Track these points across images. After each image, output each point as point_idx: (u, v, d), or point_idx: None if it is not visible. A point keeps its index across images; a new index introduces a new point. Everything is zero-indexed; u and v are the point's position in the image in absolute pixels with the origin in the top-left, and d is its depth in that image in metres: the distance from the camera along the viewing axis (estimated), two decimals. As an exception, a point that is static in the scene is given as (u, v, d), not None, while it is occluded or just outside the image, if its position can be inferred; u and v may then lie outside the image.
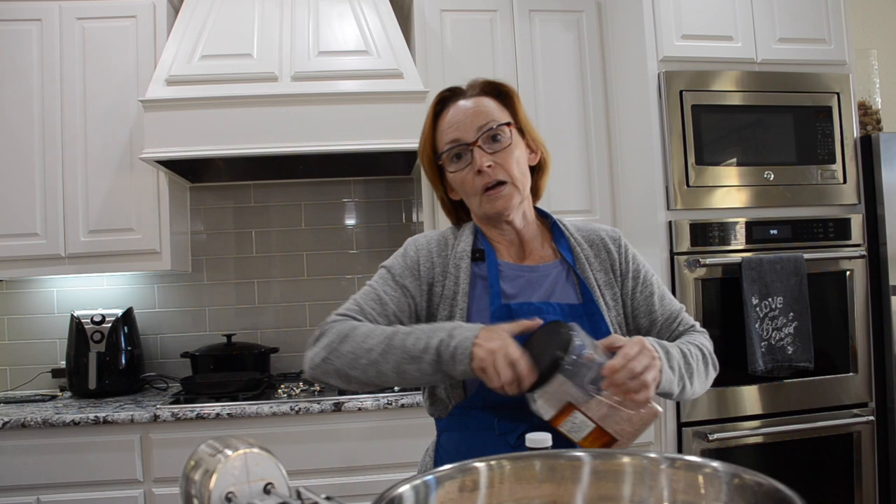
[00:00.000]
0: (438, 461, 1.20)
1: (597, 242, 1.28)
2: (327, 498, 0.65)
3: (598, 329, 1.17)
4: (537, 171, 1.29)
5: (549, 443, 0.92)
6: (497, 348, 0.99)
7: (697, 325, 1.30)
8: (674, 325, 1.27)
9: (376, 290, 1.21)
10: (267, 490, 0.69)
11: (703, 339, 1.25)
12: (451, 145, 1.20)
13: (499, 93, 1.24)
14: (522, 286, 1.21)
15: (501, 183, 1.18)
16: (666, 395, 1.12)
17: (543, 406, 0.99)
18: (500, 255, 1.25)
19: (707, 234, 2.37)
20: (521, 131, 1.25)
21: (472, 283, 1.21)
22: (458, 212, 1.32)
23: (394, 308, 1.19)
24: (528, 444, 0.93)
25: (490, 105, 1.21)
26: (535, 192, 1.30)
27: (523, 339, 1.04)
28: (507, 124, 1.21)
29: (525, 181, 1.22)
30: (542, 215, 1.32)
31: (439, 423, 1.24)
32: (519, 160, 1.21)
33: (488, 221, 1.25)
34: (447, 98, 1.25)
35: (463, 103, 1.22)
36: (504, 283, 1.20)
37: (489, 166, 1.17)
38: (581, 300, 1.20)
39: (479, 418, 1.15)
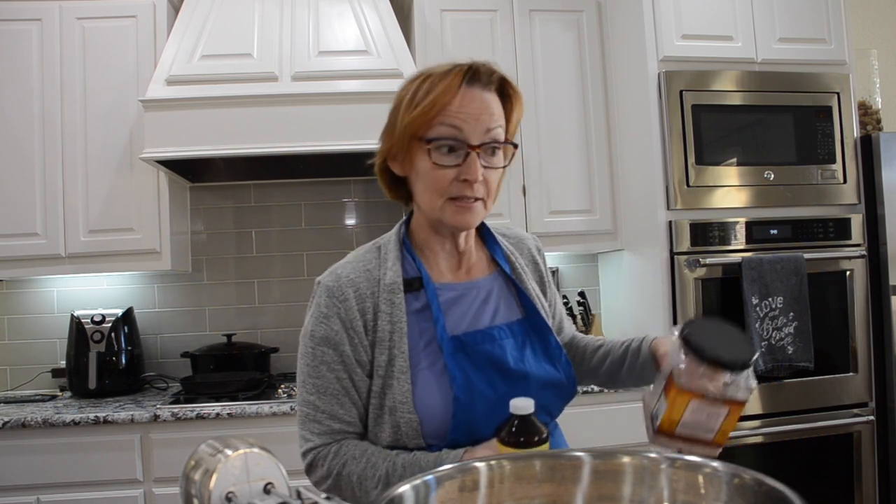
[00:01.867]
0: None
1: (524, 251, 1.23)
2: (327, 498, 0.65)
3: (546, 342, 1.12)
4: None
5: (532, 409, 0.90)
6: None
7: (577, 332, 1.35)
8: (577, 338, 1.31)
9: (328, 386, 1.06)
10: (267, 490, 0.69)
11: None
12: (449, 133, 1.03)
13: (505, 94, 1.10)
14: (467, 309, 1.11)
15: (478, 198, 1.05)
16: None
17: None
18: (434, 273, 1.12)
19: (707, 233, 2.38)
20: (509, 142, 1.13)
21: (411, 318, 1.07)
22: (397, 185, 1.15)
23: (354, 394, 1.07)
24: (511, 409, 0.91)
25: (498, 109, 1.07)
26: None
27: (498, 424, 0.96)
28: (514, 145, 1.10)
29: (491, 203, 1.10)
30: None
31: None
32: (501, 178, 1.10)
33: (436, 228, 1.12)
34: (466, 75, 1.06)
35: (481, 92, 1.06)
36: (445, 310, 1.09)
37: (480, 181, 1.04)
38: (524, 313, 1.14)
39: None
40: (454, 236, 1.13)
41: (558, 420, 1.20)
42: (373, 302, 1.08)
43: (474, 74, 1.06)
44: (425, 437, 1.03)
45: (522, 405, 0.91)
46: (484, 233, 1.21)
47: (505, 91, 1.09)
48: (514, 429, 0.91)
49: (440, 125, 1.03)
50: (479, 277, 1.15)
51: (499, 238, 1.21)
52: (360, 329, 1.07)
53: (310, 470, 1.08)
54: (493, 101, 1.06)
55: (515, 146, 1.10)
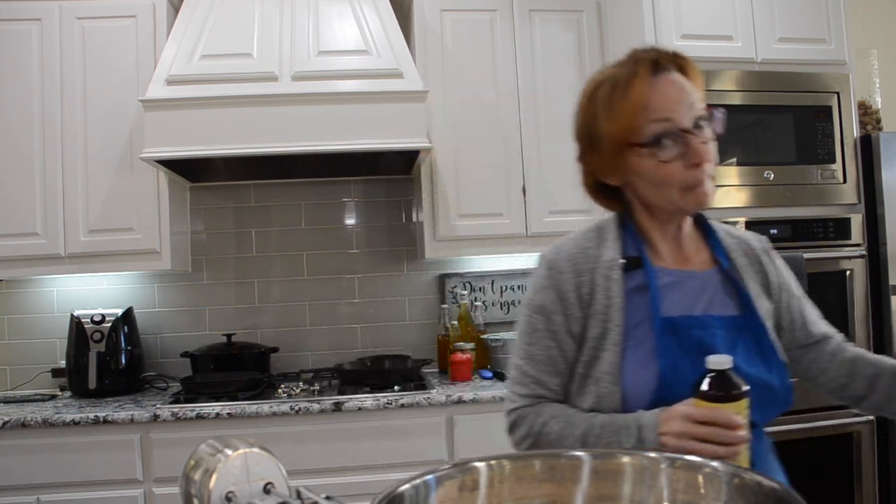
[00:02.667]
0: None
1: (748, 252, 1.19)
2: (327, 498, 0.65)
3: (761, 344, 1.09)
4: None
5: (730, 364, 0.90)
6: (683, 431, 0.93)
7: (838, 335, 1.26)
8: (829, 338, 1.22)
9: (537, 353, 1.12)
10: (267, 490, 0.69)
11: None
12: (664, 127, 1.03)
13: (682, 69, 1.09)
14: (682, 295, 1.10)
15: (707, 178, 1.06)
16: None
17: None
18: (655, 257, 1.13)
19: (707, 233, 2.37)
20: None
21: (626, 295, 1.09)
22: (612, 196, 1.18)
23: (562, 364, 1.12)
24: (708, 365, 0.91)
25: (690, 83, 1.07)
26: None
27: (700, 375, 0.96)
28: (709, 107, 1.08)
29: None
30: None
31: None
32: (715, 150, 1.09)
33: (658, 215, 1.13)
34: (649, 68, 1.06)
35: (669, 77, 1.06)
36: (666, 292, 1.10)
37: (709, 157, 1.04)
38: (741, 311, 1.11)
39: None
40: (678, 223, 1.14)
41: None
42: (590, 277, 1.11)
43: (657, 63, 1.06)
44: (623, 412, 1.05)
45: (720, 360, 0.90)
46: (704, 225, 1.19)
47: (680, 65, 1.09)
48: (712, 383, 0.91)
49: (650, 123, 1.04)
50: (698, 269, 1.14)
51: (721, 235, 1.19)
52: (574, 301, 1.10)
53: (512, 428, 1.13)
54: (681, 79, 1.07)
55: (716, 107, 1.08)
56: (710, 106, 1.07)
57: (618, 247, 1.13)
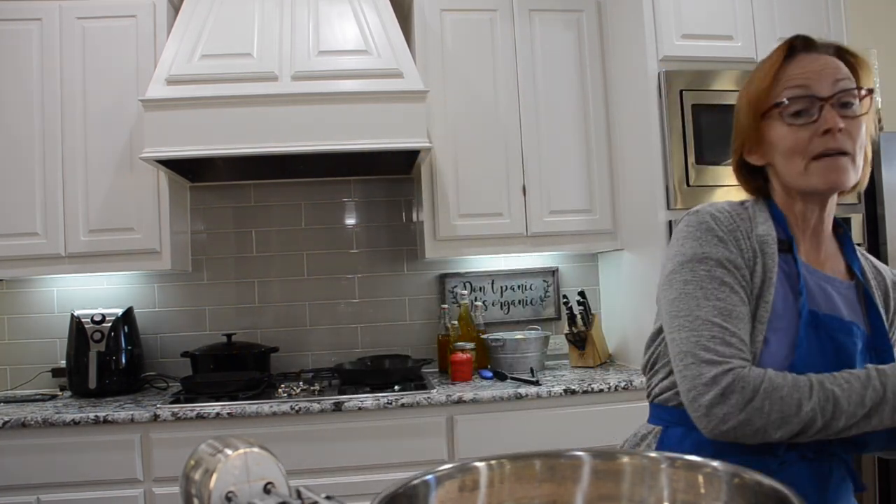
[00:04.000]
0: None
1: (880, 280, 1.12)
2: (327, 497, 0.65)
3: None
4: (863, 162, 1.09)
5: None
6: None
7: None
8: None
9: (730, 308, 0.99)
10: (267, 490, 0.69)
11: None
12: (797, 92, 1.02)
13: (849, 64, 1.06)
14: (825, 296, 1.05)
15: (842, 153, 1.01)
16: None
17: None
18: (799, 250, 1.07)
19: (707, 233, 2.37)
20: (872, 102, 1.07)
21: (779, 276, 1.03)
22: (756, 178, 1.12)
23: (748, 319, 1.01)
24: None
25: (845, 67, 1.05)
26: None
27: None
28: (868, 91, 1.04)
29: (861, 163, 1.04)
30: (836, 222, 1.14)
31: (667, 413, 1.09)
32: (866, 132, 1.04)
33: (801, 198, 1.06)
34: (794, 47, 1.06)
35: (816, 55, 1.05)
36: (812, 287, 1.04)
37: (841, 128, 1.00)
38: (870, 331, 1.05)
39: None
40: (823, 207, 1.07)
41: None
42: (750, 244, 1.04)
43: (806, 43, 1.06)
44: None
45: None
46: (843, 237, 1.14)
47: (845, 59, 1.06)
48: None
49: (785, 90, 1.03)
50: (837, 277, 1.09)
51: (859, 252, 1.14)
52: (749, 262, 1.03)
53: (723, 397, 0.93)
54: (834, 60, 1.04)
55: (871, 91, 1.05)
56: (863, 88, 1.04)
57: (771, 225, 1.07)
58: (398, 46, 2.47)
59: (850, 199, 2.48)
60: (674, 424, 1.08)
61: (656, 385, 1.13)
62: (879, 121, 2.74)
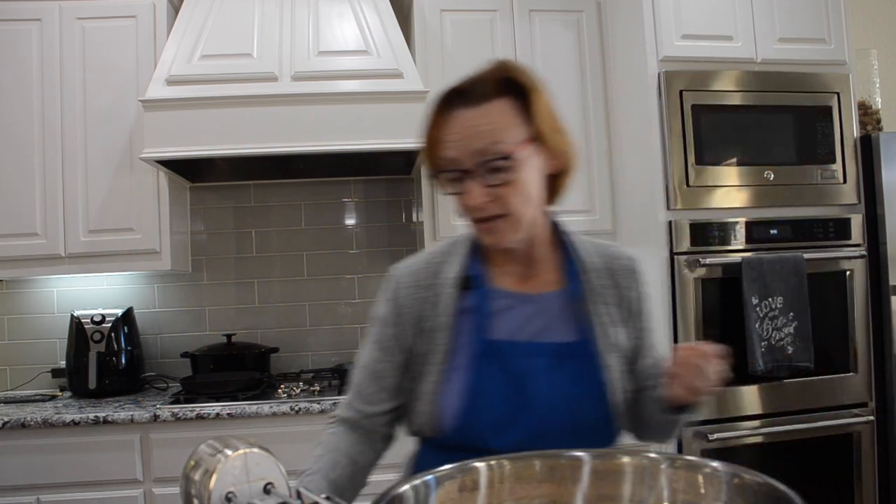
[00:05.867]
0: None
1: (612, 272, 1.13)
2: (327, 498, 0.65)
3: (591, 373, 1.05)
4: (558, 176, 1.11)
5: None
6: None
7: None
8: (651, 385, 1.13)
9: (369, 364, 1.13)
10: (267, 490, 0.69)
11: None
12: (447, 164, 1.03)
13: (518, 90, 1.04)
14: (513, 319, 1.07)
15: (498, 216, 1.02)
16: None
17: None
18: (496, 278, 1.10)
19: (707, 233, 2.37)
20: (540, 137, 1.04)
21: (458, 315, 1.07)
22: None
23: (391, 380, 1.12)
24: None
25: (499, 116, 1.01)
26: (551, 197, 1.13)
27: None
28: (507, 157, 1.00)
29: (531, 208, 1.04)
30: (558, 228, 1.17)
31: (418, 441, 1.17)
32: (526, 186, 1.02)
33: None
34: (452, 99, 1.04)
35: (464, 113, 1.01)
36: (494, 315, 1.07)
37: (486, 202, 1.01)
38: (579, 337, 1.07)
39: (452, 455, 0.99)
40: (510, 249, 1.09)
41: None
42: (427, 294, 1.10)
43: (460, 94, 1.03)
44: (436, 430, 1.06)
45: None
46: (566, 245, 1.15)
47: (517, 88, 1.04)
48: None
49: (439, 159, 1.05)
50: (543, 291, 1.10)
51: (583, 253, 1.14)
52: (409, 317, 1.10)
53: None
54: (484, 115, 1.01)
55: (511, 159, 1.00)
56: (507, 156, 1.00)
57: (460, 264, 1.10)
58: (398, 47, 2.48)
59: (850, 199, 2.48)
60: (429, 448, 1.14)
61: None
62: (879, 121, 2.74)
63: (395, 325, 1.11)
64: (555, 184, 1.12)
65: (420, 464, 1.13)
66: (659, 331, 2.42)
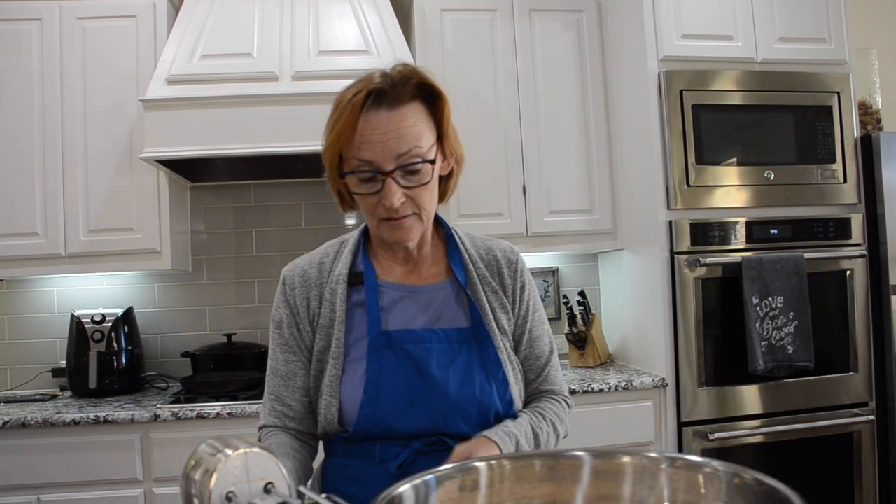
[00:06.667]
0: (325, 486, 1.15)
1: (492, 262, 1.19)
2: (327, 497, 0.65)
3: (486, 355, 1.11)
4: (448, 176, 1.14)
5: None
6: None
7: (563, 388, 1.24)
8: (534, 375, 1.20)
9: (278, 368, 1.15)
10: (267, 489, 0.69)
11: (562, 412, 1.20)
12: (362, 167, 1.03)
13: (432, 96, 1.07)
14: (406, 310, 1.12)
15: (407, 215, 1.06)
16: None
17: None
18: (383, 272, 1.15)
19: (707, 233, 2.37)
20: (441, 139, 1.09)
21: (350, 310, 1.12)
22: (352, 200, 1.15)
23: (302, 378, 1.14)
24: None
25: (416, 121, 1.03)
26: (442, 196, 1.16)
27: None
28: (431, 161, 1.05)
29: (434, 207, 1.10)
30: (438, 223, 1.21)
31: (325, 447, 1.18)
32: (433, 189, 1.08)
33: (382, 241, 1.15)
34: (367, 99, 1.03)
35: (386, 115, 1.02)
36: (386, 307, 1.12)
37: (402, 202, 1.04)
38: (470, 323, 1.13)
39: (360, 446, 1.09)
40: (401, 247, 1.14)
41: None
42: (318, 292, 1.14)
43: (379, 95, 1.03)
44: (342, 424, 1.09)
45: None
46: (448, 239, 1.20)
47: (429, 92, 1.06)
48: None
49: (351, 159, 1.05)
50: (430, 283, 1.16)
51: (465, 246, 1.19)
52: (304, 315, 1.14)
53: None
54: (404, 118, 1.02)
55: (433, 162, 1.05)
56: (426, 161, 1.04)
57: (349, 261, 1.15)
58: (398, 46, 2.47)
59: (851, 198, 2.48)
60: (330, 455, 1.17)
61: None
62: (879, 121, 2.74)
63: (291, 325, 1.15)
64: (446, 184, 1.16)
65: (331, 464, 1.15)
66: (659, 330, 2.42)
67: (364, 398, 1.06)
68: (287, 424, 1.14)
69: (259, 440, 1.12)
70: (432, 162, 1.05)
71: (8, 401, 2.49)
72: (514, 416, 1.13)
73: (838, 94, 2.49)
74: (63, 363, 2.68)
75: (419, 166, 1.03)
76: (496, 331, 1.14)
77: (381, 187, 1.03)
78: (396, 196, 1.03)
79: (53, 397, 2.56)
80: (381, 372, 1.07)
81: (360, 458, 1.08)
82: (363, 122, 1.02)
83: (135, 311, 2.74)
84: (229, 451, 0.69)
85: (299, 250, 2.92)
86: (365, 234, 1.20)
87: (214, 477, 0.67)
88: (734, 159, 2.42)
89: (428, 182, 1.05)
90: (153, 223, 2.53)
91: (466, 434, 1.07)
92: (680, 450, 2.32)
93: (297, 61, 2.43)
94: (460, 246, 1.19)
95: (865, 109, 2.71)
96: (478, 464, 0.76)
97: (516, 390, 1.14)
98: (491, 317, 1.14)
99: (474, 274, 1.17)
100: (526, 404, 1.20)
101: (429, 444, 1.07)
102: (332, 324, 1.11)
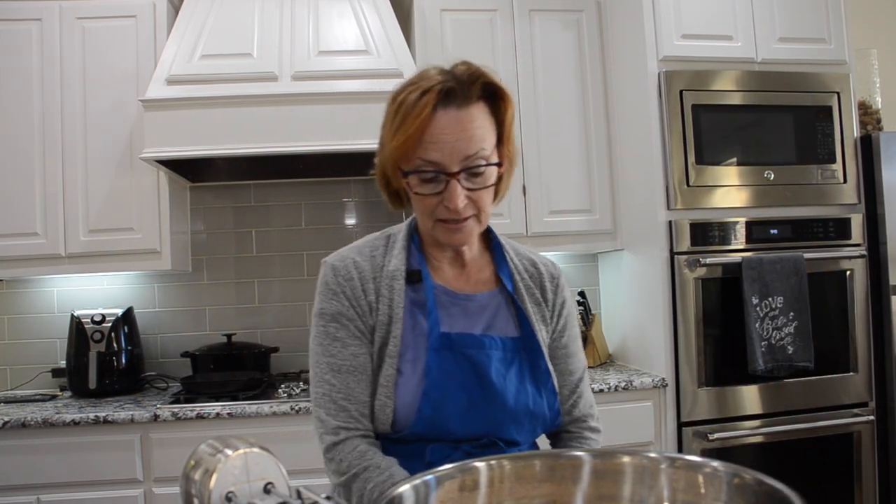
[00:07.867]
0: None
1: (535, 275, 1.19)
2: (327, 497, 0.65)
3: (536, 366, 1.11)
4: (500, 177, 1.11)
5: None
6: None
7: (594, 409, 1.23)
8: (568, 392, 1.18)
9: (344, 363, 1.07)
10: (267, 490, 0.69)
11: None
12: (427, 167, 1.01)
13: (495, 97, 1.07)
14: (462, 314, 1.11)
15: (468, 217, 1.05)
16: None
17: None
18: (434, 273, 1.13)
19: (707, 233, 2.38)
20: (503, 143, 1.09)
21: (407, 308, 1.09)
22: (398, 198, 1.14)
23: (370, 369, 1.08)
24: None
25: (482, 122, 1.03)
26: (494, 197, 1.13)
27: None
28: (497, 164, 1.06)
29: (491, 209, 1.09)
30: (485, 231, 1.18)
31: None
32: (492, 192, 1.08)
33: (433, 240, 1.13)
34: (440, 98, 1.03)
35: (455, 114, 1.01)
36: (440, 311, 1.10)
37: (465, 204, 1.03)
38: (520, 333, 1.13)
39: (409, 446, 1.06)
40: (455, 250, 1.13)
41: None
42: (374, 286, 1.09)
43: (448, 94, 1.02)
44: (395, 424, 1.05)
45: None
46: (494, 246, 1.19)
47: (495, 95, 1.07)
48: None
49: (417, 158, 1.02)
50: (480, 291, 1.15)
51: (511, 255, 1.19)
52: (365, 307, 1.09)
53: (328, 457, 1.07)
54: (472, 119, 1.02)
55: (499, 165, 1.06)
56: (494, 163, 1.04)
57: (403, 257, 1.12)
58: (398, 46, 2.47)
59: (850, 198, 2.48)
60: None
61: None
62: (879, 121, 2.74)
63: (354, 317, 1.08)
64: (498, 185, 1.12)
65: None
66: (659, 330, 2.43)
67: (424, 401, 1.03)
68: (364, 426, 1.06)
69: (335, 457, 1.05)
70: (498, 165, 1.05)
71: (8, 401, 2.49)
72: (555, 423, 1.13)
73: (838, 94, 2.49)
74: (63, 363, 2.68)
75: (483, 169, 1.02)
76: (542, 342, 1.13)
77: (444, 188, 1.02)
78: (460, 198, 1.01)
79: (53, 397, 2.56)
80: (443, 375, 1.05)
81: (407, 459, 1.05)
82: (435, 121, 1.01)
83: (135, 311, 2.74)
84: (229, 451, 0.69)
85: (299, 250, 2.94)
86: (414, 229, 1.17)
87: (214, 477, 0.67)
88: (734, 159, 2.42)
89: (491, 185, 1.05)
90: (153, 223, 2.53)
91: (516, 440, 1.08)
92: (680, 450, 2.32)
93: (296, 61, 2.43)
94: (507, 255, 1.18)
95: (865, 109, 2.71)
96: (478, 464, 0.76)
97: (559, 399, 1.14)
98: (536, 328, 1.14)
99: (520, 284, 1.16)
100: (564, 429, 1.19)
101: (478, 445, 1.06)
102: (391, 321, 1.08)
